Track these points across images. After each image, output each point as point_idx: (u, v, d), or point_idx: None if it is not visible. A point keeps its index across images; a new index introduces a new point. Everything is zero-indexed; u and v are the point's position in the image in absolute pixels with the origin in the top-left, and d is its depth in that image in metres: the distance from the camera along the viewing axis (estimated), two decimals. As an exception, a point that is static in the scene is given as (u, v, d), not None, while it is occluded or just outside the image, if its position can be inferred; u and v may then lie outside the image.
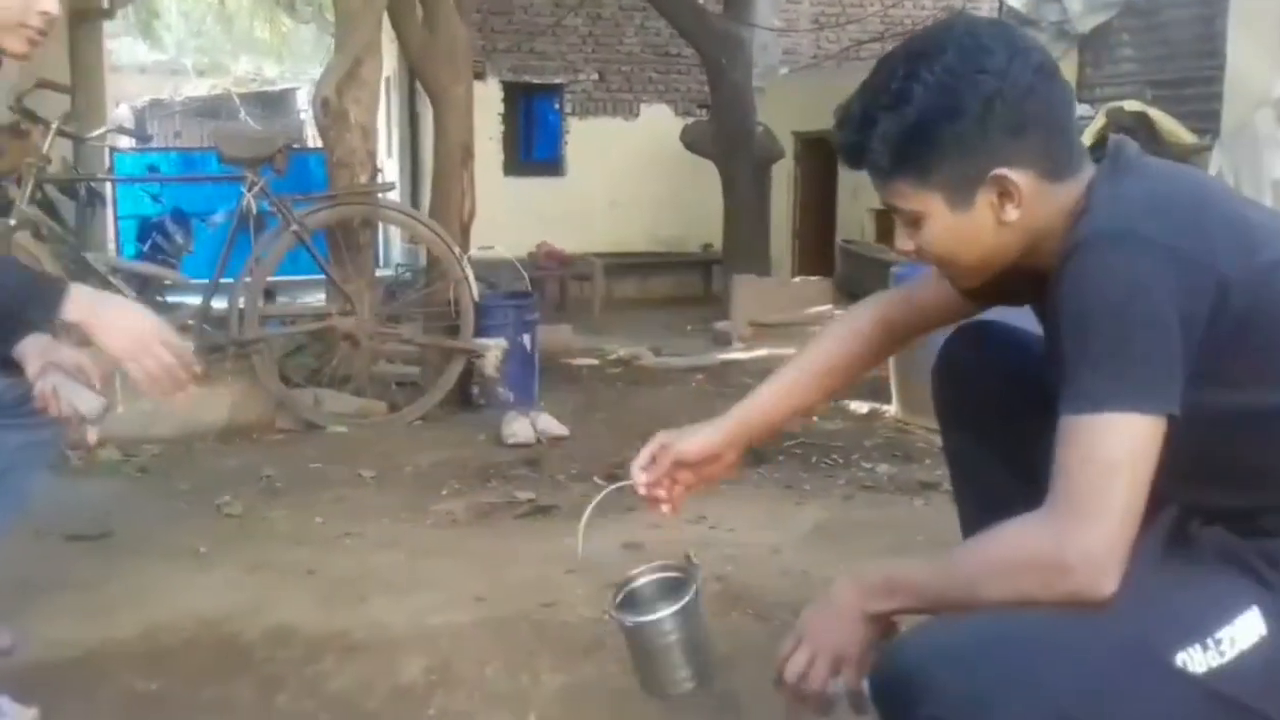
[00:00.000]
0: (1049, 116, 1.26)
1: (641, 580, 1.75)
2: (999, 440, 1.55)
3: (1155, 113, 6.13)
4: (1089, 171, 1.29)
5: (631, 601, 1.70)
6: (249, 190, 4.21)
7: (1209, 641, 1.18)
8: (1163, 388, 1.16)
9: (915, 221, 1.32)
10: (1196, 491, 1.28)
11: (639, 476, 1.65)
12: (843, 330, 1.65)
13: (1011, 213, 1.26)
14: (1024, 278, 1.34)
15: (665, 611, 1.65)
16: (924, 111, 1.24)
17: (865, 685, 1.35)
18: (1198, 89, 6.36)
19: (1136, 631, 1.18)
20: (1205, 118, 6.12)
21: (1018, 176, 1.25)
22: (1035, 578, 1.17)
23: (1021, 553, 1.19)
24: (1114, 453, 1.14)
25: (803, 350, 1.67)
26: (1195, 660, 1.18)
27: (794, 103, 10.04)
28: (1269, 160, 5.47)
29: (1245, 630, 1.19)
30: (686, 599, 1.65)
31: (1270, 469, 1.25)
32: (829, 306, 6.93)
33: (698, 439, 1.62)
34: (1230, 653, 1.18)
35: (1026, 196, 1.26)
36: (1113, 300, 1.16)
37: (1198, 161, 5.93)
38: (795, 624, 1.38)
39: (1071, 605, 1.16)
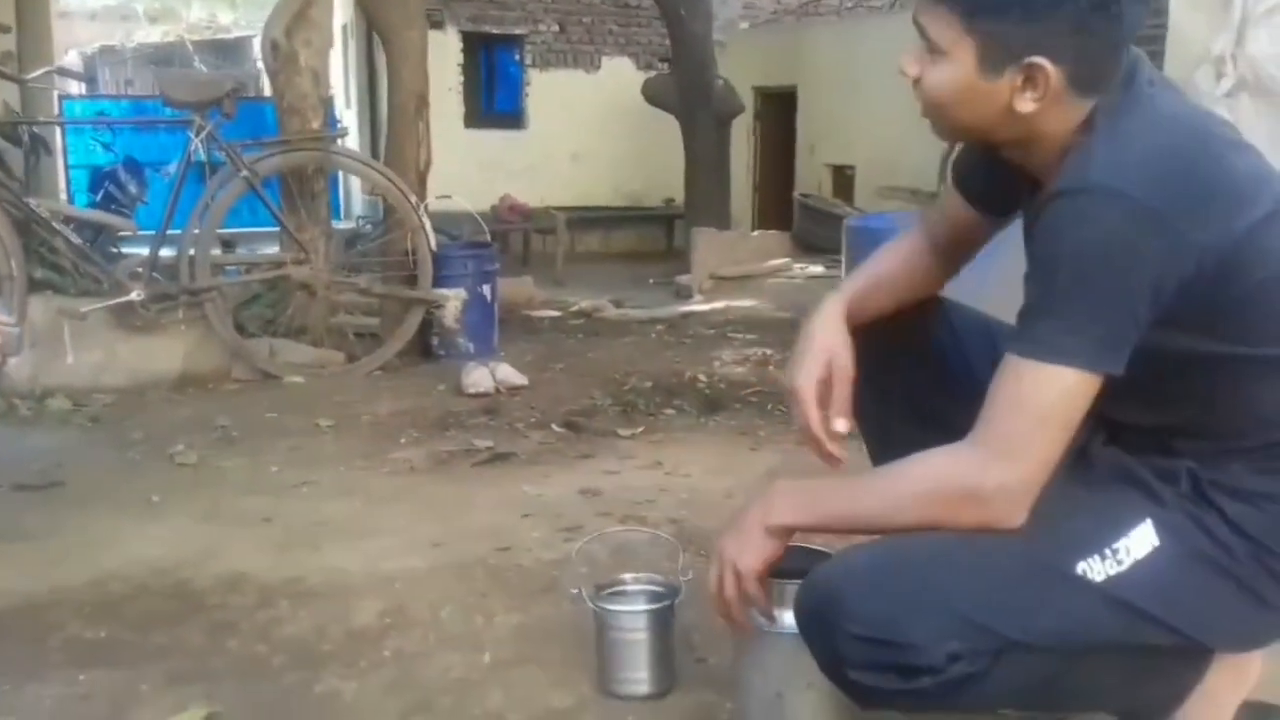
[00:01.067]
0: (1115, 30, 1.20)
1: (631, 584, 1.85)
2: (908, 402, 1.57)
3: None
4: (1115, 92, 1.24)
5: (614, 600, 1.80)
6: (196, 135, 4.12)
7: (1107, 551, 1.24)
8: (1112, 350, 1.17)
9: (935, 52, 1.25)
10: (1121, 406, 1.29)
11: (842, 424, 1.49)
12: (900, 244, 1.61)
13: (1028, 103, 1.22)
14: (1020, 174, 1.33)
15: (642, 608, 1.77)
16: None
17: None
18: (1141, 47, 6.36)
19: (1041, 545, 1.23)
20: (1149, 76, 6.17)
21: (1053, 72, 1.19)
22: (951, 505, 1.22)
23: (942, 480, 1.24)
24: (1048, 403, 1.17)
25: (871, 261, 1.62)
26: (1095, 569, 1.23)
27: (754, 57, 10.00)
28: (1210, 117, 5.53)
29: (1140, 541, 1.25)
30: (664, 604, 1.76)
31: (1203, 399, 1.28)
32: (787, 259, 6.95)
33: (843, 349, 1.51)
34: (1127, 561, 1.24)
35: (1051, 95, 1.21)
36: (1084, 254, 1.15)
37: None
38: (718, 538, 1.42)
39: (979, 530, 1.21)
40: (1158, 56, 6.10)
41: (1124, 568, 1.24)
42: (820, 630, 1.26)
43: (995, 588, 1.22)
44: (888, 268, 1.61)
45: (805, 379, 1.48)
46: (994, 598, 1.22)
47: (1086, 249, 1.15)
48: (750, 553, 1.35)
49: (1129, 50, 1.26)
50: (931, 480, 1.25)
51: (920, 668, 1.19)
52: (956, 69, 1.23)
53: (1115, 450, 1.33)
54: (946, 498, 1.23)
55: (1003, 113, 1.24)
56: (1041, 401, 1.17)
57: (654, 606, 1.77)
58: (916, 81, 1.28)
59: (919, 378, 1.56)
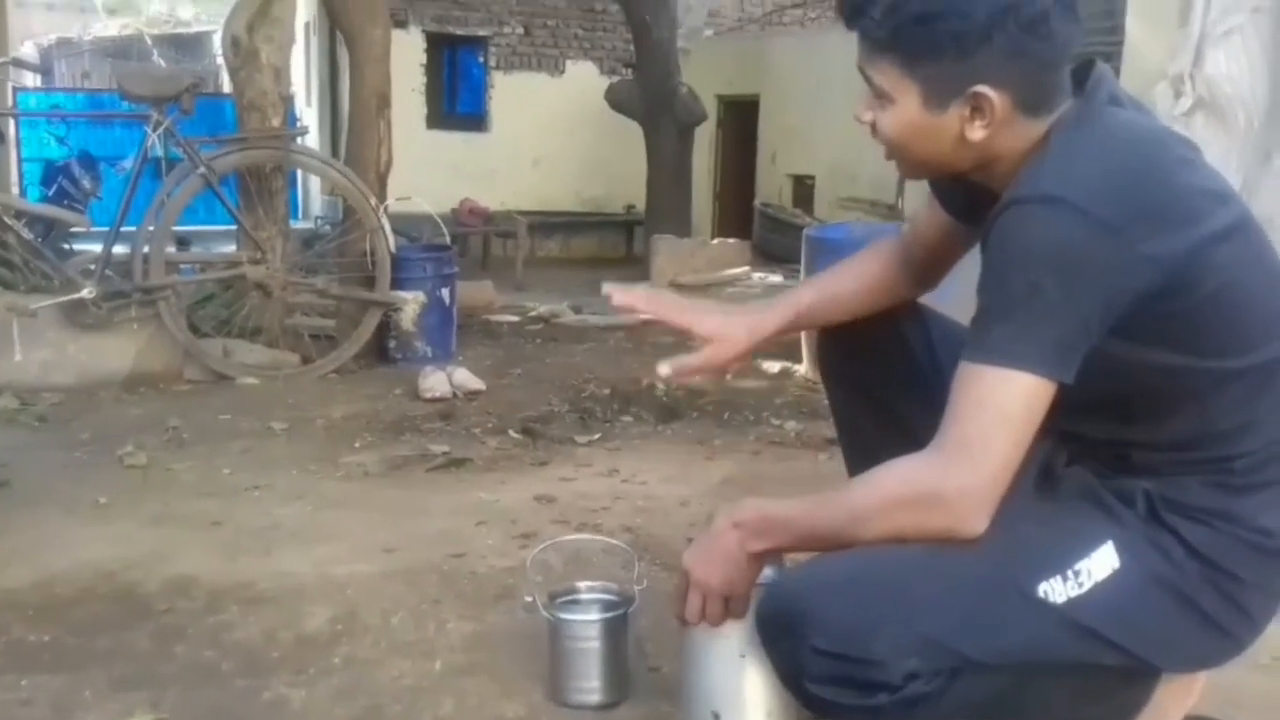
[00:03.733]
0: (1049, 51, 1.24)
1: (584, 593, 1.84)
2: (876, 399, 1.59)
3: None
4: (1064, 106, 1.27)
5: (568, 609, 1.79)
6: (153, 130, 4.06)
7: (1069, 573, 1.24)
8: (1063, 357, 1.18)
9: (882, 99, 1.30)
10: (1079, 419, 1.31)
11: (664, 368, 1.67)
12: (866, 256, 1.64)
13: (978, 131, 1.25)
14: (984, 193, 1.35)
15: (595, 617, 1.77)
16: (939, 2, 1.22)
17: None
18: (1096, 62, 6.52)
19: (1003, 565, 1.24)
20: (1105, 92, 6.29)
21: (997, 98, 1.23)
22: (915, 510, 1.22)
23: (904, 487, 1.24)
24: (1007, 405, 1.18)
25: (830, 272, 1.66)
26: (1056, 591, 1.24)
27: (718, 65, 10.05)
28: (1167, 135, 5.64)
29: (1100, 563, 1.25)
30: (617, 613, 1.76)
31: (1157, 410, 1.29)
32: (746, 269, 6.98)
33: (735, 332, 1.63)
34: (1087, 584, 1.25)
35: (998, 119, 1.24)
36: (1035, 261, 1.17)
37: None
38: (682, 563, 1.42)
39: (942, 539, 1.21)
40: (1113, 73, 6.22)
41: (1084, 590, 1.24)
42: (781, 639, 1.27)
43: (959, 607, 1.23)
44: (844, 284, 1.63)
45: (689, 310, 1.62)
46: (957, 617, 1.22)
47: (1037, 256, 1.17)
48: (740, 581, 1.37)
49: (1095, 66, 1.30)
50: (894, 488, 1.25)
51: (878, 684, 1.20)
52: (905, 111, 1.28)
53: (1079, 469, 1.34)
54: (910, 504, 1.22)
55: (956, 143, 1.28)
56: (999, 405, 1.18)
57: (607, 615, 1.77)
58: (873, 128, 1.32)
59: (888, 377, 1.58)
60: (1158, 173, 1.22)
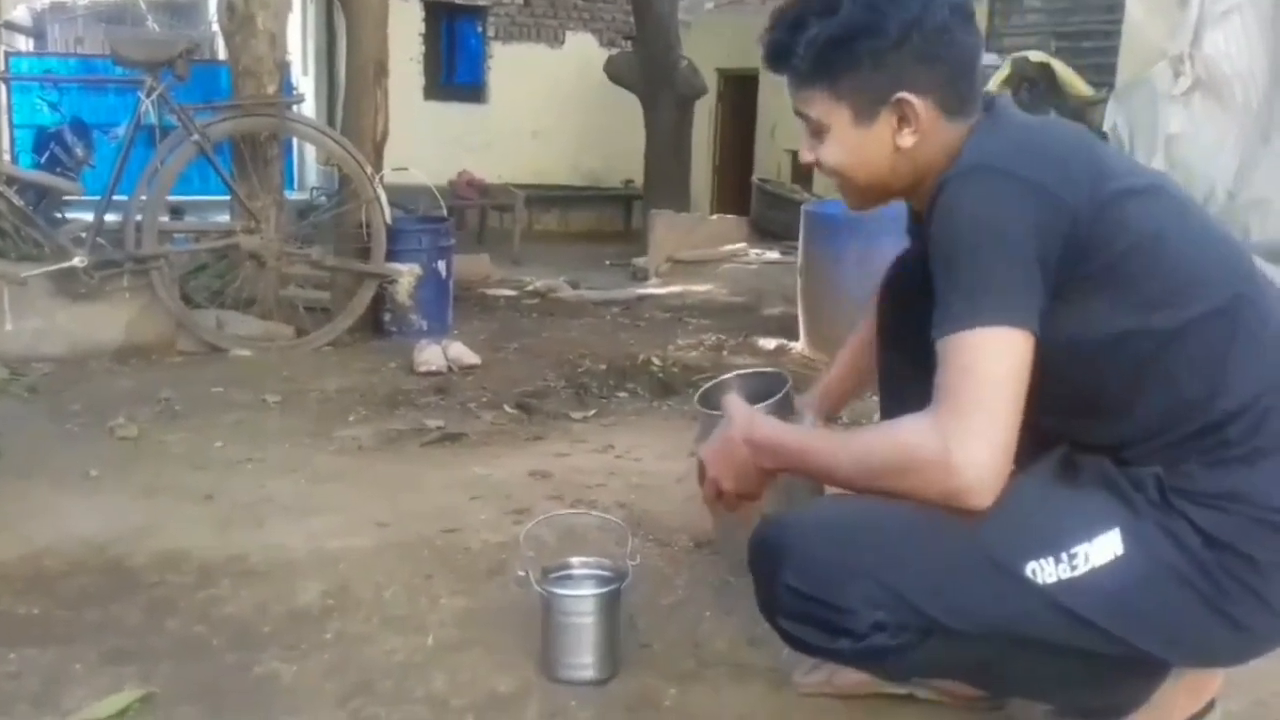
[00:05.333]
0: (958, 55, 1.35)
1: (578, 569, 1.84)
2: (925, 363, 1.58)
3: (1058, 64, 6.24)
4: (977, 117, 1.38)
5: (561, 584, 1.79)
6: (147, 96, 4.01)
7: (1063, 555, 1.26)
8: (1023, 306, 1.23)
9: (820, 132, 1.41)
10: (1072, 427, 1.36)
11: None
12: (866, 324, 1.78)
13: (908, 137, 1.36)
14: (918, 221, 1.43)
15: (588, 592, 1.75)
16: (849, 24, 1.33)
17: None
18: (1097, 42, 6.49)
19: (994, 539, 1.26)
20: (1103, 70, 6.26)
21: (919, 103, 1.34)
22: (921, 475, 1.25)
23: (912, 451, 1.26)
24: (991, 366, 1.22)
25: (847, 343, 1.84)
26: (1045, 571, 1.26)
27: (719, 39, 9.97)
28: (1163, 115, 5.60)
29: (1102, 549, 1.26)
30: (610, 588, 1.75)
31: (1128, 395, 1.30)
32: (744, 244, 6.95)
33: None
34: (1083, 568, 1.26)
35: (924, 124, 1.35)
36: (975, 228, 1.24)
37: (1093, 113, 6.06)
38: (697, 456, 1.53)
39: (948, 503, 1.24)
40: (1112, 52, 6.17)
41: (1078, 573, 1.25)
42: (764, 573, 1.35)
43: (935, 571, 1.26)
44: (863, 356, 1.77)
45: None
46: (931, 581, 1.26)
47: (971, 221, 1.25)
48: (753, 481, 1.47)
49: (998, 97, 1.41)
50: (902, 450, 1.27)
51: (843, 630, 1.27)
52: (841, 134, 1.39)
53: (1100, 458, 1.34)
54: (917, 469, 1.25)
55: (891, 156, 1.37)
56: (984, 365, 1.22)
57: (600, 590, 1.76)
58: (817, 164, 1.43)
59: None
60: (1064, 140, 1.34)
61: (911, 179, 1.40)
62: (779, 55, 1.41)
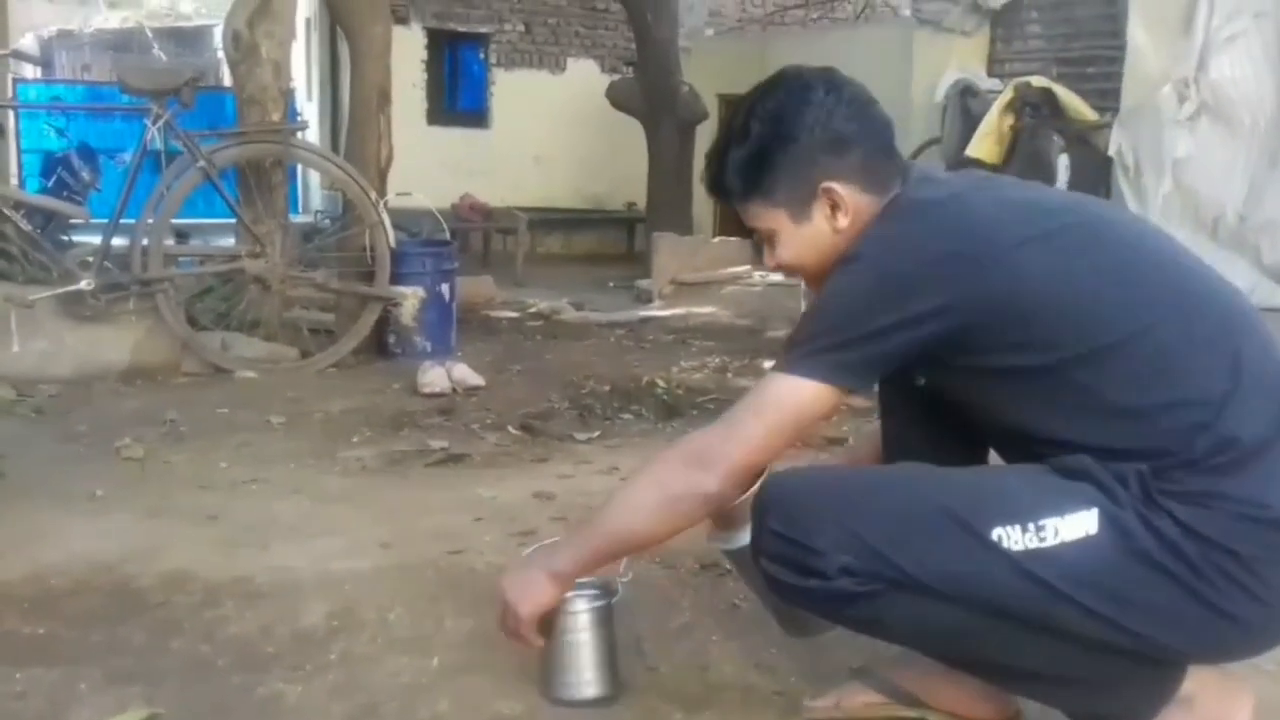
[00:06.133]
0: (865, 139, 1.49)
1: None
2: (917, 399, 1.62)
3: (1060, 90, 6.28)
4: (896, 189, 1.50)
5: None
6: (153, 123, 4.05)
7: (1030, 525, 1.31)
8: (831, 367, 1.40)
9: (771, 239, 1.56)
10: (1010, 447, 1.48)
11: None
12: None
13: (842, 220, 1.50)
14: None
15: (583, 607, 1.73)
16: (761, 141, 1.50)
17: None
18: (1100, 68, 6.52)
19: (964, 501, 1.35)
20: (1106, 95, 6.29)
21: (842, 188, 1.48)
22: (668, 476, 1.49)
23: (662, 459, 1.53)
24: (769, 398, 1.44)
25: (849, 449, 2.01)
26: (1011, 538, 1.31)
27: (719, 64, 10.02)
28: (1169, 140, 5.62)
29: (1074, 525, 1.31)
30: (603, 602, 1.75)
31: (1087, 433, 1.36)
32: (746, 267, 6.97)
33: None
34: (1051, 540, 1.30)
35: (852, 206, 1.49)
36: (833, 295, 1.43)
37: (1097, 137, 6.09)
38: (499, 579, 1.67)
39: (690, 500, 1.47)
40: (1115, 78, 6.20)
41: (1045, 545, 1.30)
42: (756, 519, 1.45)
43: (905, 522, 1.35)
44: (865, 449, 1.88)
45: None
46: (897, 530, 1.35)
47: (829, 297, 1.44)
48: (529, 600, 1.61)
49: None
50: (654, 464, 1.54)
51: (813, 570, 1.36)
52: (787, 235, 1.54)
53: (1082, 455, 1.36)
54: (659, 469, 1.51)
55: (834, 239, 1.51)
56: (763, 395, 1.45)
57: (590, 607, 1.73)
58: (779, 266, 1.58)
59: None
60: (957, 215, 1.42)
61: None
62: (716, 186, 1.58)
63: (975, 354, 1.38)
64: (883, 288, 1.39)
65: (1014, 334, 1.35)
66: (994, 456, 1.61)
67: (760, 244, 1.63)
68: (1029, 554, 1.30)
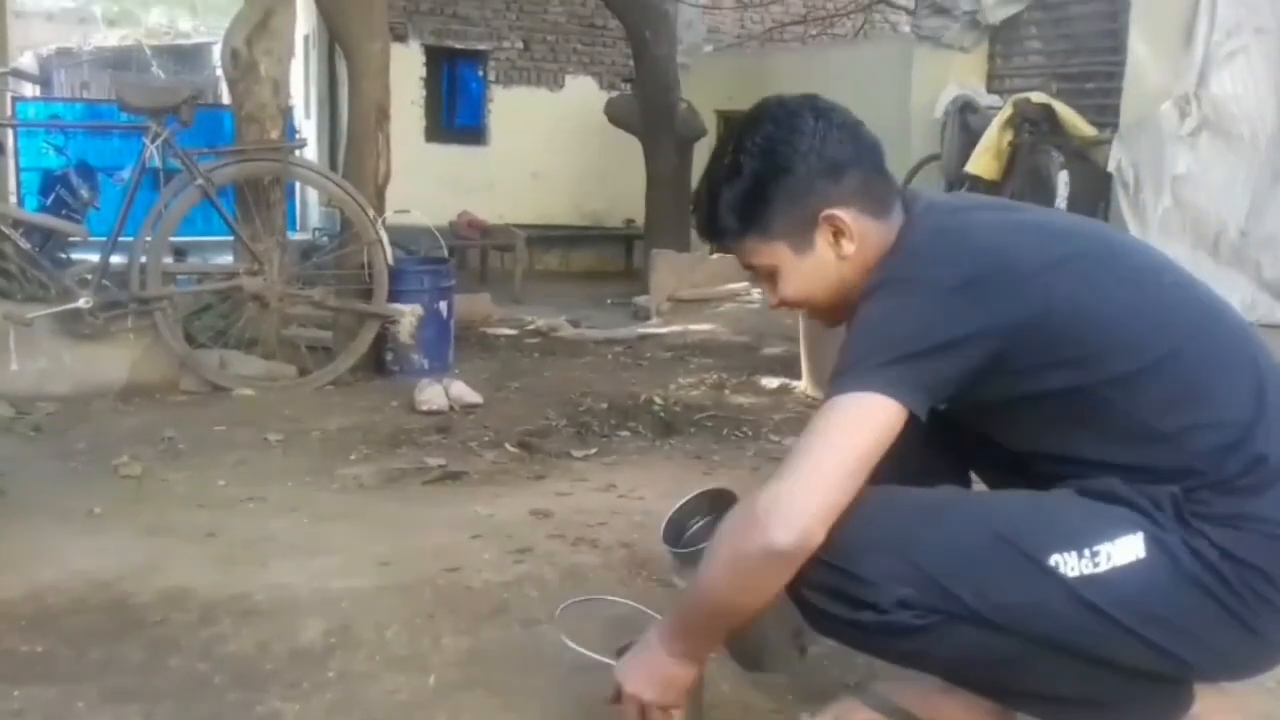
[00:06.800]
0: (860, 161, 1.45)
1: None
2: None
3: (1059, 105, 6.30)
4: (899, 215, 1.46)
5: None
6: (152, 141, 4.06)
7: (1085, 551, 1.29)
8: (896, 383, 1.29)
9: (772, 275, 1.50)
10: (1067, 474, 1.40)
11: None
12: None
13: (847, 247, 1.45)
14: None
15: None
16: (755, 176, 1.45)
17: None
18: (1099, 83, 6.54)
19: (1021, 527, 1.31)
20: (1105, 111, 6.30)
21: (843, 213, 1.44)
22: (737, 534, 1.32)
23: (733, 520, 1.35)
24: (832, 425, 1.29)
25: None
26: (1068, 564, 1.29)
27: (718, 81, 10.07)
28: (1170, 155, 5.63)
29: (1124, 550, 1.29)
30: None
31: (1119, 453, 1.36)
32: (745, 284, 6.98)
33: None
34: (1105, 565, 1.29)
35: (856, 231, 1.44)
36: (877, 317, 1.34)
37: (1096, 153, 6.11)
38: (615, 670, 1.49)
39: (760, 560, 1.29)
40: (1115, 93, 6.22)
41: (1099, 570, 1.28)
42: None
43: (963, 553, 1.30)
44: None
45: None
46: (958, 561, 1.30)
47: (871, 318, 1.35)
48: (669, 687, 1.45)
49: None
50: (726, 525, 1.35)
51: (866, 602, 1.30)
52: (788, 268, 1.48)
53: (1113, 479, 1.36)
54: (737, 527, 1.32)
55: (839, 268, 1.46)
56: (827, 423, 1.30)
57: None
58: (784, 303, 1.52)
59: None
60: (976, 239, 1.39)
61: (867, 279, 1.45)
62: (711, 228, 1.51)
63: (1011, 377, 1.34)
64: (942, 305, 1.32)
65: (1051, 354, 1.33)
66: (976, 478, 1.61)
67: (757, 281, 1.57)
68: (1084, 580, 1.28)
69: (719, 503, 1.70)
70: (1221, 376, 1.34)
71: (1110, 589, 1.28)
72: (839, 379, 1.31)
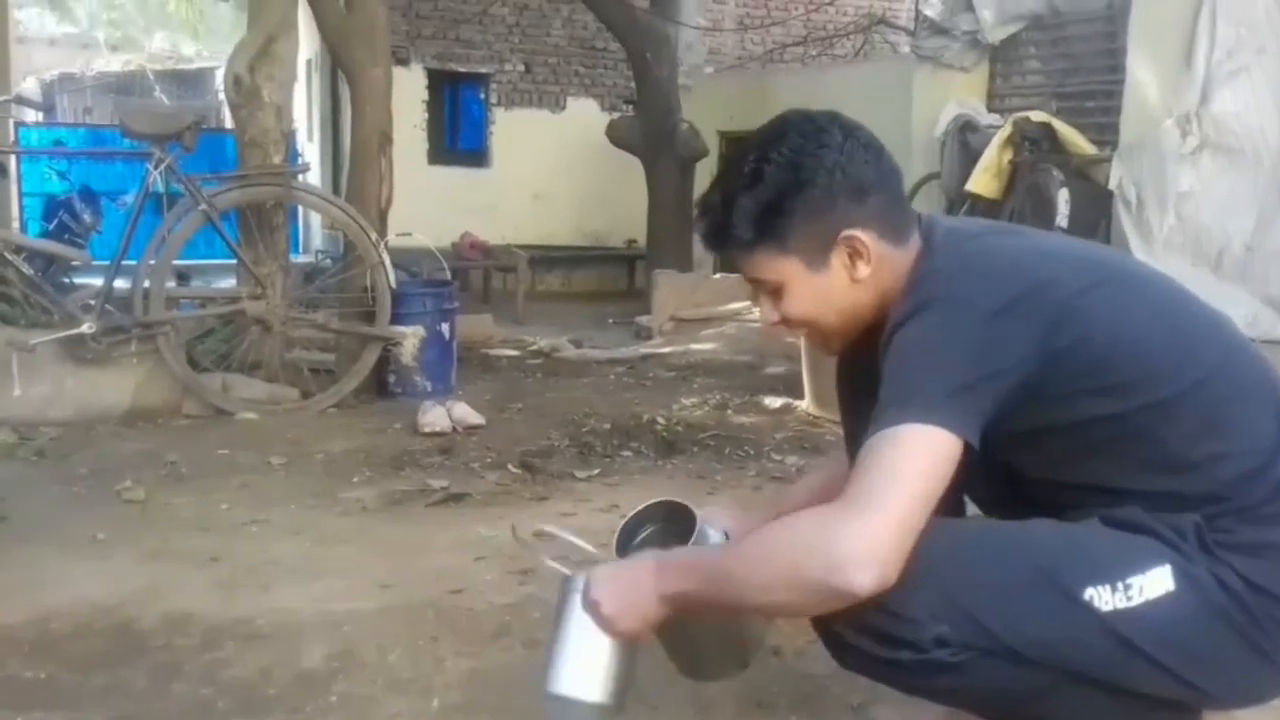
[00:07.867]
0: (883, 185, 1.41)
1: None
2: None
3: (1059, 124, 6.32)
4: (916, 241, 1.42)
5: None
6: (155, 167, 4.08)
7: (1119, 585, 1.27)
8: (959, 416, 1.25)
9: (777, 292, 1.44)
10: (1090, 503, 1.37)
11: None
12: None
13: (862, 270, 1.40)
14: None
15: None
16: (778, 186, 1.39)
17: None
18: (1099, 102, 6.57)
19: (1056, 561, 1.28)
20: (1105, 130, 6.33)
21: (864, 235, 1.39)
22: (801, 563, 1.23)
23: (799, 537, 1.25)
24: (901, 459, 1.23)
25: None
26: (1102, 598, 1.26)
27: (719, 102, 10.11)
28: (1172, 174, 5.65)
29: (1155, 582, 1.28)
30: None
31: (1139, 480, 1.35)
32: (746, 303, 6.99)
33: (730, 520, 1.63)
34: (1137, 599, 1.27)
35: (874, 254, 1.39)
36: (919, 346, 1.29)
37: (1096, 172, 6.13)
38: (591, 569, 1.42)
39: (828, 595, 1.21)
40: (1115, 112, 6.24)
41: (1132, 604, 1.27)
42: None
43: (1001, 589, 1.27)
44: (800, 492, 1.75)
45: None
46: (997, 598, 1.26)
47: (913, 344, 1.30)
48: (631, 616, 1.37)
49: (923, 215, 1.45)
50: (791, 537, 1.26)
51: (905, 641, 1.25)
52: (798, 286, 1.42)
53: (1135, 508, 1.35)
54: (800, 556, 1.23)
55: (851, 290, 1.42)
56: (894, 457, 1.23)
57: None
58: (785, 322, 1.46)
59: None
60: (1001, 259, 1.36)
61: (877, 305, 1.43)
62: (719, 236, 1.44)
63: (1041, 403, 1.31)
64: (987, 331, 1.28)
65: (1086, 381, 1.31)
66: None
67: (756, 298, 1.50)
68: (1117, 614, 1.26)
69: (674, 514, 1.65)
70: (1246, 404, 1.34)
71: (1142, 623, 1.26)
72: (904, 408, 1.25)
